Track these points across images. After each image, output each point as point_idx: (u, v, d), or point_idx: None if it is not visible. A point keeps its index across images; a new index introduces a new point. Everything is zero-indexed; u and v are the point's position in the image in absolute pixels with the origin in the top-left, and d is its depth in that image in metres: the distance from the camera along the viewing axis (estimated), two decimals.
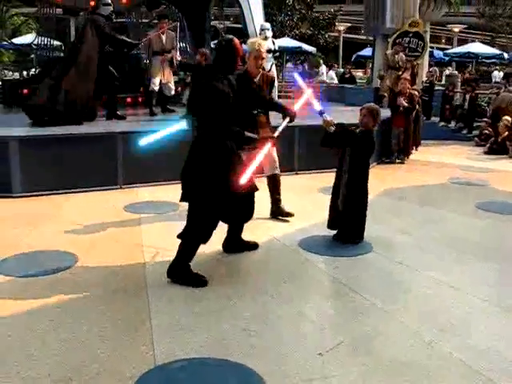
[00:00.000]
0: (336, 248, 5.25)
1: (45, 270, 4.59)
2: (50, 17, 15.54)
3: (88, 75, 9.06)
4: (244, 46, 5.54)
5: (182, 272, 4.37)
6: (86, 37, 9.19)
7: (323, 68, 24.36)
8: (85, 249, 5.11)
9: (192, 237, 4.40)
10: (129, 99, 12.08)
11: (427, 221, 6.40)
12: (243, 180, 4.32)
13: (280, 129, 5.07)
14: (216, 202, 4.36)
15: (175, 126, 5.55)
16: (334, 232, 5.48)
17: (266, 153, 5.01)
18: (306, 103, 5.42)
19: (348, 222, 5.36)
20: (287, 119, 5.25)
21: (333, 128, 5.20)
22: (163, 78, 10.80)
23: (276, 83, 12.04)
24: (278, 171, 6.15)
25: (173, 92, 11.13)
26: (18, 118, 9.18)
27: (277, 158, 6.11)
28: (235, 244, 5.09)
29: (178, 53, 11.16)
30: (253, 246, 5.17)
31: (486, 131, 13.11)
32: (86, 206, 6.78)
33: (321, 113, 5.24)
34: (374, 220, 5.65)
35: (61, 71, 9.00)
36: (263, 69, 6.00)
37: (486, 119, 13.78)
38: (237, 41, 4.51)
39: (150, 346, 3.39)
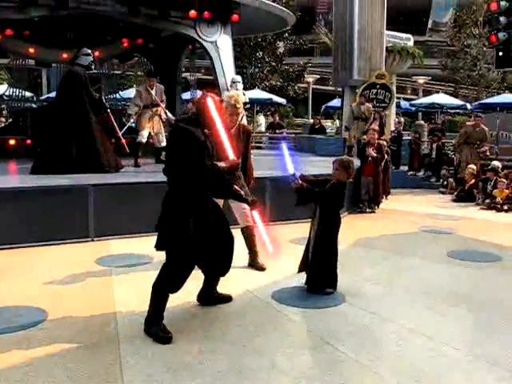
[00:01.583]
0: (309, 299, 5.24)
1: (13, 326, 4.47)
2: (22, 68, 15.61)
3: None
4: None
5: (151, 326, 4.33)
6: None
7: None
8: (55, 303, 5.01)
9: (163, 286, 4.39)
10: None
11: (399, 269, 6.45)
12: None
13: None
14: (189, 253, 4.37)
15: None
16: (306, 283, 5.49)
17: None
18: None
19: (318, 272, 5.38)
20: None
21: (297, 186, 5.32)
22: (152, 130, 10.90)
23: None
24: (250, 223, 6.14)
25: (163, 143, 10.93)
26: None
27: (248, 210, 6.09)
28: (210, 296, 5.06)
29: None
30: (227, 299, 5.14)
31: (450, 179, 13.55)
32: (56, 259, 6.67)
33: (292, 176, 5.30)
34: (345, 270, 5.68)
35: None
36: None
37: (445, 167, 14.24)
38: (209, 100, 4.51)
39: None
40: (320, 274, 5.40)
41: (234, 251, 4.86)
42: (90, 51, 9.82)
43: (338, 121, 27.72)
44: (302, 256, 5.57)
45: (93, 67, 10.12)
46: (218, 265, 4.79)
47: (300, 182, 5.29)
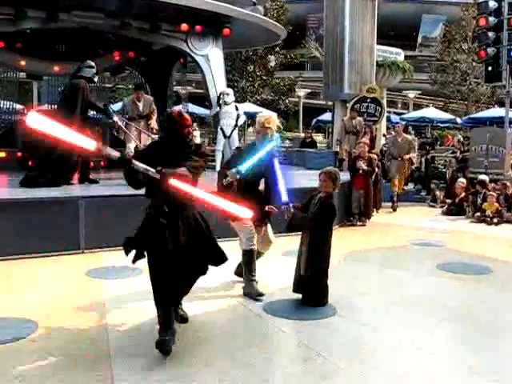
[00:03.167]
0: (300, 312, 5.24)
1: (2, 338, 4.44)
2: (13, 80, 15.60)
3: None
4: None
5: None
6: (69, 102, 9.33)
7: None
8: (45, 315, 4.98)
9: (156, 300, 4.34)
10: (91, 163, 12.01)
11: (390, 282, 6.48)
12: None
13: None
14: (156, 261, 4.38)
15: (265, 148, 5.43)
16: (299, 295, 5.49)
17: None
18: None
19: (310, 286, 5.38)
20: None
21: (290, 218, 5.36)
22: (139, 143, 10.80)
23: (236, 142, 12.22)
24: (254, 247, 5.81)
25: None
26: None
27: (273, 239, 6.09)
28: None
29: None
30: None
31: (437, 192, 13.64)
32: (46, 271, 6.63)
33: (286, 203, 5.34)
34: (337, 282, 5.68)
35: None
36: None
37: (434, 180, 14.33)
38: (177, 113, 4.57)
39: None
40: (314, 287, 5.39)
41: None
42: (93, 64, 9.82)
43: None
44: (295, 275, 5.54)
45: (95, 79, 10.14)
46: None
47: (292, 210, 5.33)
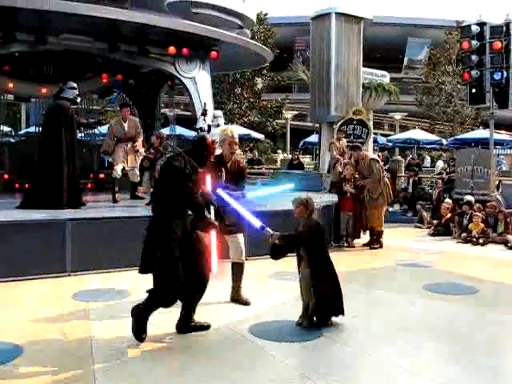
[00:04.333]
0: (287, 334, 5.22)
1: None
2: (1, 102, 15.63)
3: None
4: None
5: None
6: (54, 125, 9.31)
7: None
8: (31, 339, 4.92)
9: (155, 299, 4.90)
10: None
11: (377, 304, 6.48)
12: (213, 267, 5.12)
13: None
14: (174, 273, 4.80)
15: (282, 186, 6.00)
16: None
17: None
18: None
19: (324, 303, 5.40)
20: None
21: (277, 241, 5.35)
22: (127, 165, 10.70)
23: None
24: (243, 260, 6.21)
25: (138, 178, 10.95)
26: None
27: (243, 247, 6.22)
28: (187, 325, 5.14)
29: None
30: (205, 327, 5.23)
31: (424, 213, 13.71)
32: (32, 294, 6.58)
33: (262, 228, 5.40)
34: None
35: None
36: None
37: (420, 202, 14.40)
38: (211, 141, 5.16)
39: None
40: (326, 303, 5.41)
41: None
42: (75, 85, 9.78)
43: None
44: (303, 305, 5.48)
45: (78, 100, 10.09)
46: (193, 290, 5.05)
47: (271, 232, 5.36)
